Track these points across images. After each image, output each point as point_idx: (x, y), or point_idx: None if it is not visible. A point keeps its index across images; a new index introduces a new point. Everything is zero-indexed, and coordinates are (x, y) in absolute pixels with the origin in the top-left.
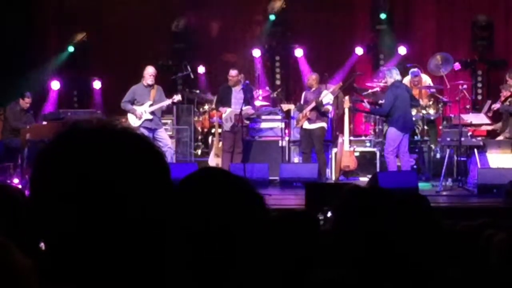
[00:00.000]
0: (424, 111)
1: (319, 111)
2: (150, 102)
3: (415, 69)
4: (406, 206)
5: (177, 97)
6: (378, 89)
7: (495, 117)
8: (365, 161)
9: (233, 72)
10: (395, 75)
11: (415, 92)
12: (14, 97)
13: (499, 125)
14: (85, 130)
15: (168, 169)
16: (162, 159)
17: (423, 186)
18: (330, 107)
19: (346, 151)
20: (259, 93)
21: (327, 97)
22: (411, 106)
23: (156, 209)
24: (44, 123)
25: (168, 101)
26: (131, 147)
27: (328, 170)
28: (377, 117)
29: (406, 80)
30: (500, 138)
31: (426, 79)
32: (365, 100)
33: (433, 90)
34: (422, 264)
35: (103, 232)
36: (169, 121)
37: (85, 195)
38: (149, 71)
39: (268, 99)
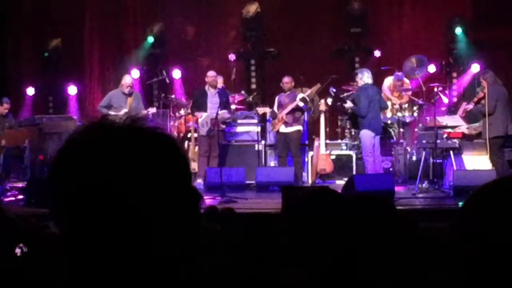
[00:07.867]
0: (400, 114)
1: (302, 111)
2: (126, 110)
3: (399, 73)
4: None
5: (152, 110)
6: (354, 92)
7: (467, 118)
8: (342, 164)
9: (211, 73)
10: (366, 78)
11: (395, 95)
12: None
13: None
14: (113, 127)
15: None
16: (187, 164)
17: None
18: (312, 106)
19: (322, 154)
20: (235, 97)
21: (302, 100)
22: (380, 109)
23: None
24: (20, 128)
25: (143, 113)
26: (160, 149)
27: (304, 174)
28: None
29: (387, 82)
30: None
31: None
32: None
33: (409, 92)
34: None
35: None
36: None
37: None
38: (126, 81)
39: (243, 103)
